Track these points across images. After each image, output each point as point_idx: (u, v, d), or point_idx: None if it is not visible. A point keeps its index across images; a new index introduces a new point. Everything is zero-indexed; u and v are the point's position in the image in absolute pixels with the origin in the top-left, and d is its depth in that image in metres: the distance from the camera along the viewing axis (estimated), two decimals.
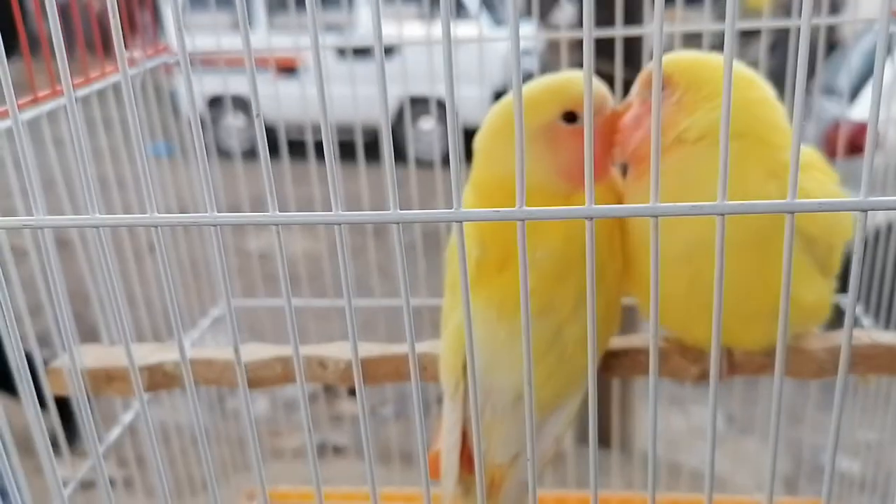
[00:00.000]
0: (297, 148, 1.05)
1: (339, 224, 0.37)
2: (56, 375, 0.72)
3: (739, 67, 0.65)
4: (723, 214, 0.36)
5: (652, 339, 0.39)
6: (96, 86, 0.74)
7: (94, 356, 0.76)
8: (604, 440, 1.58)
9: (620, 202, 0.67)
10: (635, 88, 0.67)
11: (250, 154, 1.06)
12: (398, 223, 0.36)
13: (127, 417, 0.84)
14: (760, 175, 0.61)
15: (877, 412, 0.98)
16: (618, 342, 0.74)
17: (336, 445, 2.23)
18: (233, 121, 2.07)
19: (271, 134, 1.00)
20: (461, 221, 0.36)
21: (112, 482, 0.73)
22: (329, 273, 1.02)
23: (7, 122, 0.59)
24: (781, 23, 0.90)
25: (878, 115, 0.32)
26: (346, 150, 0.90)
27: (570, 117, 0.64)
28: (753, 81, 0.65)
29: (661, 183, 0.36)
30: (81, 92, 0.71)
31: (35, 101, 0.63)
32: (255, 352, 0.76)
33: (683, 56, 0.66)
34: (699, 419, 2.08)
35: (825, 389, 1.15)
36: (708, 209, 0.36)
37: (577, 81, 0.65)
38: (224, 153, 1.05)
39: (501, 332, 0.64)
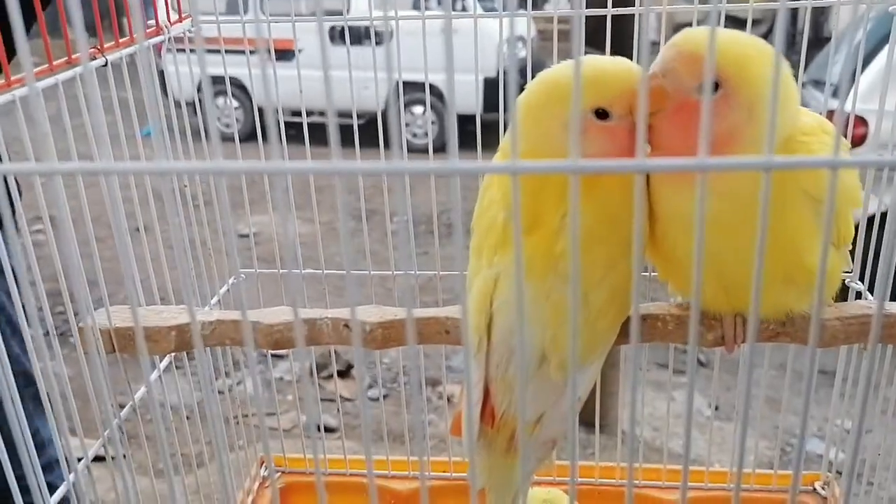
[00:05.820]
0: (292, 133, 1.07)
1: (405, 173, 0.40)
2: (83, 334, 0.74)
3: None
4: (768, 170, 0.37)
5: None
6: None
7: (122, 317, 0.77)
8: (587, 423, 1.61)
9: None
10: (664, 64, 0.63)
11: (246, 137, 1.08)
12: (458, 174, 0.40)
13: (137, 394, 0.86)
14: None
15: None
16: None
17: (327, 426, 2.27)
18: (227, 102, 2.07)
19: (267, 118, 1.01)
20: (517, 174, 0.40)
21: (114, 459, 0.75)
22: (324, 254, 1.05)
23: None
24: (767, 4, 0.89)
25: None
26: (342, 135, 0.92)
27: (602, 114, 0.64)
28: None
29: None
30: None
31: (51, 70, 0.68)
32: (281, 314, 0.78)
33: (730, 44, 0.62)
34: (684, 405, 2.12)
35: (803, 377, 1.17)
36: (754, 165, 0.38)
37: (614, 75, 0.64)
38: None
39: (528, 292, 0.65)
